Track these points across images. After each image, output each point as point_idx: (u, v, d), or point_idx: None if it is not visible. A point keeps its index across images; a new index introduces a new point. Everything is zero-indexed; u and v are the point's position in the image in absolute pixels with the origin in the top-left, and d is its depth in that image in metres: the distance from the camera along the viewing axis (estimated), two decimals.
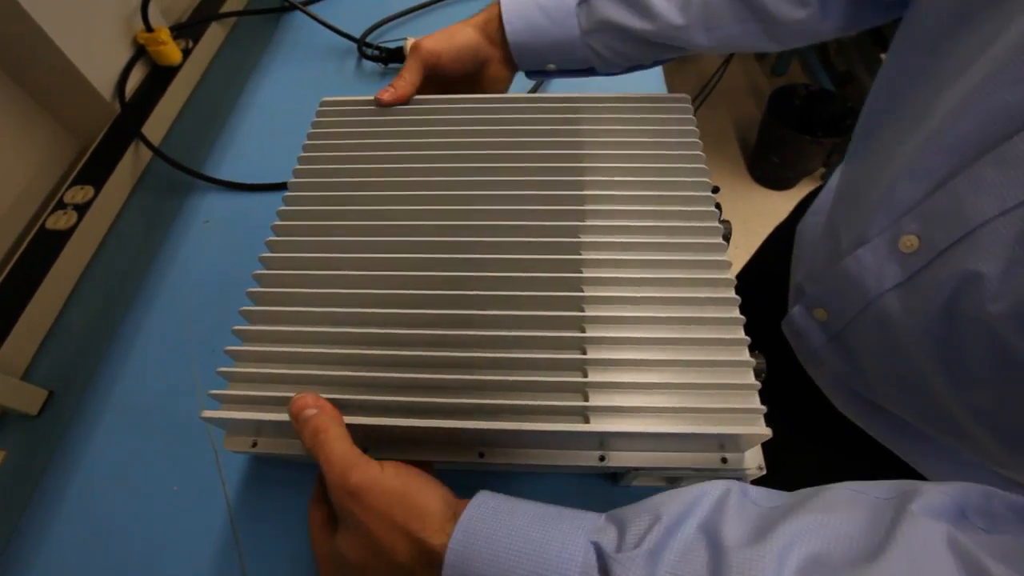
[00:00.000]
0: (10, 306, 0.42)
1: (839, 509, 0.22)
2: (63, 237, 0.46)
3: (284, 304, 0.36)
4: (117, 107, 0.55)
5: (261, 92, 0.71)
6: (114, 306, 0.52)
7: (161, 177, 0.58)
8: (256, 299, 0.37)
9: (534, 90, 0.65)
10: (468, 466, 0.35)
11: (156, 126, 0.56)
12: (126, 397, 0.47)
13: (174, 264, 0.55)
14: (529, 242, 0.37)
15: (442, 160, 0.42)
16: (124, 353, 0.50)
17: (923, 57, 0.35)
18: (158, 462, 0.44)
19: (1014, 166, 0.26)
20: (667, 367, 0.32)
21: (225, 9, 0.68)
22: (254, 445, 0.34)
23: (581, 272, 0.36)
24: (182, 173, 0.58)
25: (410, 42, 0.67)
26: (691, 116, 0.44)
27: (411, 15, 0.78)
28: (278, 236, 0.40)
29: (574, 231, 0.38)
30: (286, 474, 0.42)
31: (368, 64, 0.73)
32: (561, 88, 0.63)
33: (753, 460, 0.32)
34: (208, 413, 0.32)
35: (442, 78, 0.49)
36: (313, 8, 0.74)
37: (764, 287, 0.53)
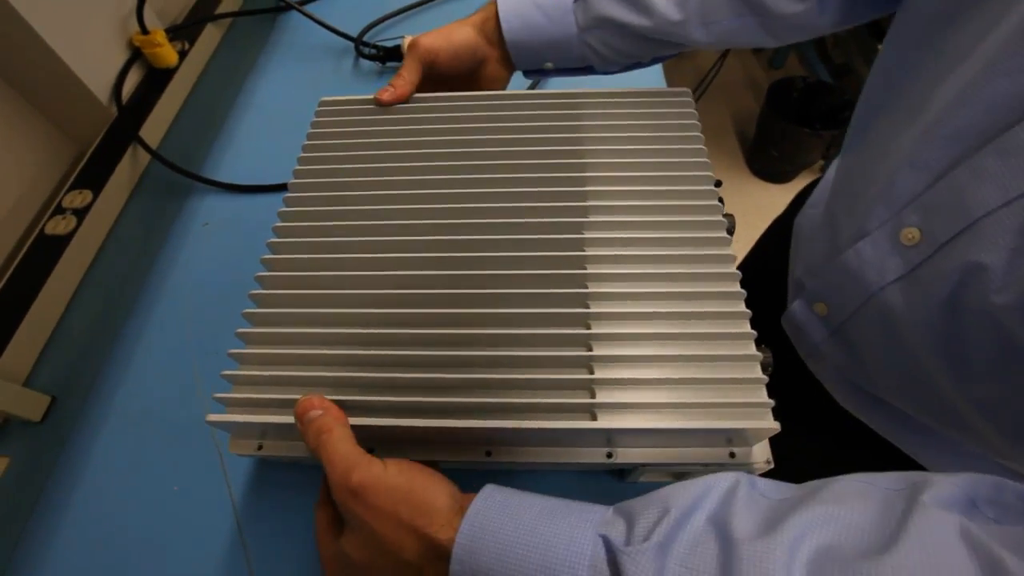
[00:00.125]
0: (11, 312, 0.42)
1: (849, 500, 0.22)
2: (62, 242, 0.46)
3: (287, 305, 0.36)
4: (114, 110, 0.55)
5: (258, 93, 0.71)
6: (115, 310, 0.51)
7: (160, 180, 0.57)
8: (258, 301, 0.37)
9: (532, 88, 0.64)
10: (474, 465, 0.35)
11: (154, 129, 0.56)
12: (129, 401, 0.47)
13: (174, 267, 0.55)
14: (533, 239, 0.37)
15: (443, 158, 0.42)
16: (126, 357, 0.50)
17: (919, 49, 0.35)
18: (162, 465, 0.44)
19: (1016, 155, 0.26)
20: (674, 362, 0.32)
21: (221, 10, 0.68)
22: (260, 448, 0.34)
23: (586, 269, 0.36)
24: (181, 176, 0.57)
25: (408, 40, 0.67)
26: (692, 110, 0.44)
27: (407, 13, 0.77)
28: (279, 237, 0.40)
29: (577, 228, 0.38)
30: (291, 476, 0.42)
31: (365, 63, 0.73)
32: (560, 86, 0.63)
33: (761, 454, 0.32)
34: (213, 417, 0.32)
35: (439, 77, 0.48)
36: (309, 7, 0.73)
37: (763, 281, 0.53)
